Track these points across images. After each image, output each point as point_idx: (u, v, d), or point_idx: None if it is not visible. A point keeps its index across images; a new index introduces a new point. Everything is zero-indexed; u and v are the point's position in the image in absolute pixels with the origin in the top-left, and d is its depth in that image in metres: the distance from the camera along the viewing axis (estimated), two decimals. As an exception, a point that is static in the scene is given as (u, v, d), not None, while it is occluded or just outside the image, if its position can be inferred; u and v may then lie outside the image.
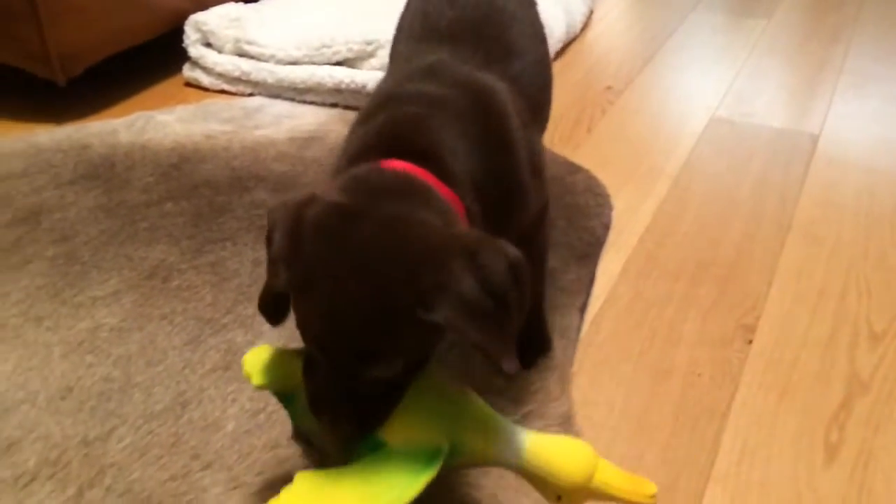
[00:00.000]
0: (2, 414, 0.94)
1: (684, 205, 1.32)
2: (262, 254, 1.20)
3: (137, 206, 1.34)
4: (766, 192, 1.35)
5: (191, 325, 1.07)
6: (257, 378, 0.77)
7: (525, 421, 0.93)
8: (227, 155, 1.49)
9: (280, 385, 0.77)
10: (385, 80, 0.92)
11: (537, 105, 0.97)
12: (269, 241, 0.70)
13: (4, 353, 1.03)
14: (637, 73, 1.82)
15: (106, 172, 1.43)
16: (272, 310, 0.73)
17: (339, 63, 1.66)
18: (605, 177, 1.37)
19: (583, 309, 1.09)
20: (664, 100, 1.71)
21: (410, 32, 0.98)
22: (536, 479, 0.70)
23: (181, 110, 1.65)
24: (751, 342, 1.02)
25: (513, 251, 0.66)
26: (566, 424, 0.92)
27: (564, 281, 1.13)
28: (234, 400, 0.96)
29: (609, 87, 1.73)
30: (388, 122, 0.79)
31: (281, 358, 0.77)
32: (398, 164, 0.73)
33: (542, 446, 0.71)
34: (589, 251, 1.20)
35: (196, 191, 1.38)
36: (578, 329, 1.05)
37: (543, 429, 0.92)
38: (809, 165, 1.43)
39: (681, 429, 0.92)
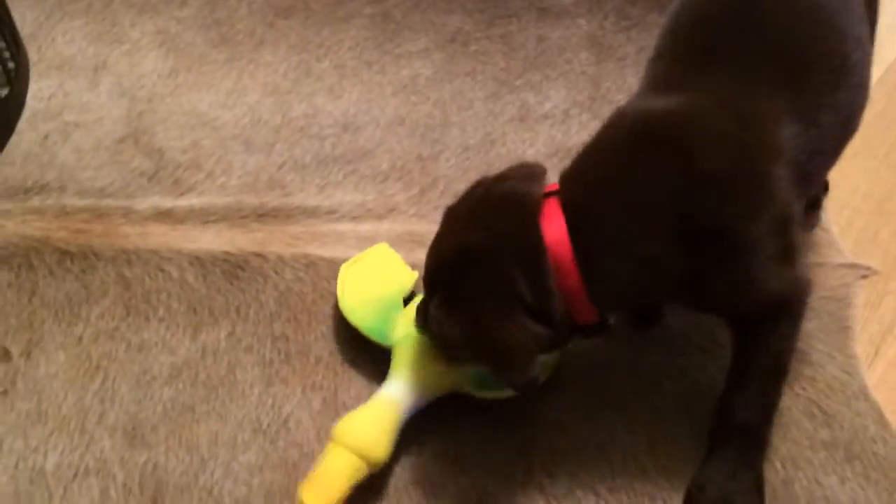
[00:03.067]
0: (356, 129, 1.21)
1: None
2: (545, 31, 1.38)
3: (432, -21, 1.52)
4: None
5: (489, 83, 1.29)
6: None
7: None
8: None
9: None
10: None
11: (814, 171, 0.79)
12: None
13: (349, 86, 1.29)
14: None
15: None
16: None
17: None
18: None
19: (837, 110, 1.21)
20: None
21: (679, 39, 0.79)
22: None
23: None
24: None
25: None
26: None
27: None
28: (531, 144, 1.19)
29: None
30: (592, 164, 0.75)
31: None
32: (551, 216, 0.71)
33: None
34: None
35: (480, -29, 1.54)
36: (831, 126, 1.18)
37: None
38: None
39: (916, 215, 1.06)
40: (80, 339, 0.93)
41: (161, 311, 0.96)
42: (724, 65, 0.72)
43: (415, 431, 0.82)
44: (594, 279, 0.69)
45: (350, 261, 0.96)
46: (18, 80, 1.25)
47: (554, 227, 0.70)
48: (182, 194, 1.11)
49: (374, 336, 0.88)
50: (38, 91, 1.28)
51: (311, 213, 1.09)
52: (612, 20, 1.38)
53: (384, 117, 1.23)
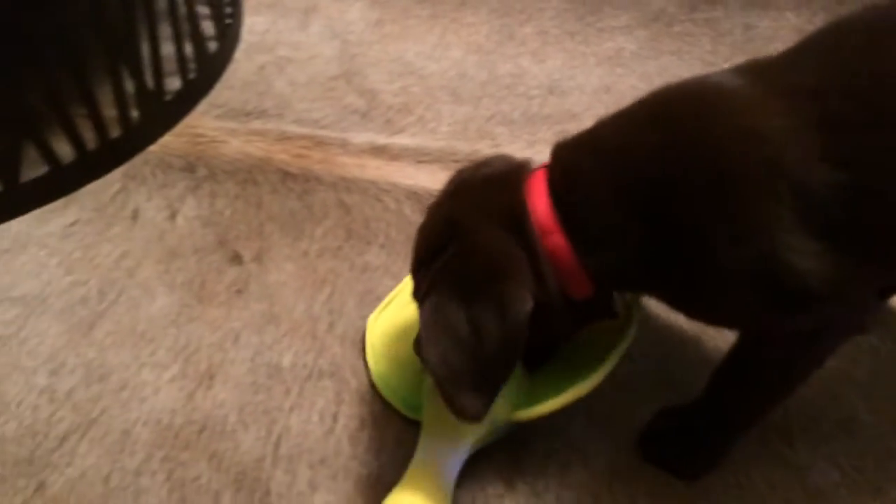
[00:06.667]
0: (562, 93, 1.20)
1: None
2: (752, 20, 1.35)
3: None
4: None
5: (696, 64, 1.27)
6: None
7: None
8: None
9: None
10: None
11: None
12: None
13: (552, 52, 1.29)
14: None
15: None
16: None
17: None
18: None
19: None
20: None
21: None
22: None
23: None
24: None
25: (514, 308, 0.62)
26: None
27: None
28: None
29: None
30: (590, 132, 0.70)
31: None
32: (537, 183, 0.67)
33: None
34: None
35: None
36: None
37: None
38: None
39: None
40: (306, 253, 0.95)
41: (381, 238, 0.97)
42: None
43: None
44: (580, 242, 0.64)
45: (377, 309, 0.86)
46: (236, 8, 1.30)
47: (538, 193, 0.66)
48: (394, 134, 1.13)
49: (410, 413, 0.76)
50: (252, 25, 1.32)
51: (525, 164, 1.08)
52: (822, 17, 1.35)
53: (589, 84, 1.22)
